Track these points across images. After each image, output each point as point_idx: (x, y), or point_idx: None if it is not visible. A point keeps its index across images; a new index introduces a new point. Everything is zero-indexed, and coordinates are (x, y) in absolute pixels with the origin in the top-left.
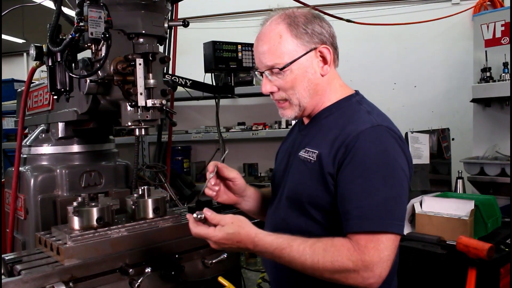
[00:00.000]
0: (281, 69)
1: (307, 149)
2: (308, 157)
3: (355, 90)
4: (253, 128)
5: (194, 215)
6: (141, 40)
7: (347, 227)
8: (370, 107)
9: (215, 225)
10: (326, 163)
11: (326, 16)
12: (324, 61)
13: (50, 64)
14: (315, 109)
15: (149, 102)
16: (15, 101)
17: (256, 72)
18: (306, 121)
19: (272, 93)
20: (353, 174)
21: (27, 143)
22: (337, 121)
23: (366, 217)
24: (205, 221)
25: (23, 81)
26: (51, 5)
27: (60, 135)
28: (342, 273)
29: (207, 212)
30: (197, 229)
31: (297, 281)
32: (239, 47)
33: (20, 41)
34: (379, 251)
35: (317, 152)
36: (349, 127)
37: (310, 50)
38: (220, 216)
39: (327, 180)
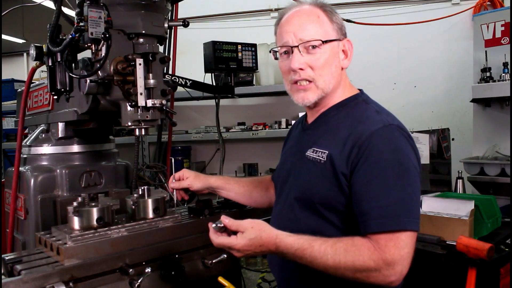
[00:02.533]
0: (323, 42)
1: (315, 148)
2: (317, 157)
3: (359, 89)
4: (253, 128)
5: (213, 225)
6: (141, 40)
7: (366, 228)
8: (378, 106)
9: (234, 232)
10: (338, 163)
11: None
12: (345, 55)
13: (50, 64)
14: (323, 105)
15: (149, 102)
16: (15, 101)
17: (275, 51)
18: (310, 119)
19: (299, 71)
20: (368, 174)
21: (27, 143)
22: (345, 120)
23: (384, 217)
24: (224, 229)
25: (23, 81)
26: (51, 5)
27: (60, 135)
28: (363, 272)
29: (225, 220)
30: (218, 239)
31: (305, 283)
32: (239, 47)
33: (20, 41)
34: (399, 249)
35: (326, 152)
36: (361, 126)
37: (339, 39)
38: (239, 222)
39: (340, 181)
